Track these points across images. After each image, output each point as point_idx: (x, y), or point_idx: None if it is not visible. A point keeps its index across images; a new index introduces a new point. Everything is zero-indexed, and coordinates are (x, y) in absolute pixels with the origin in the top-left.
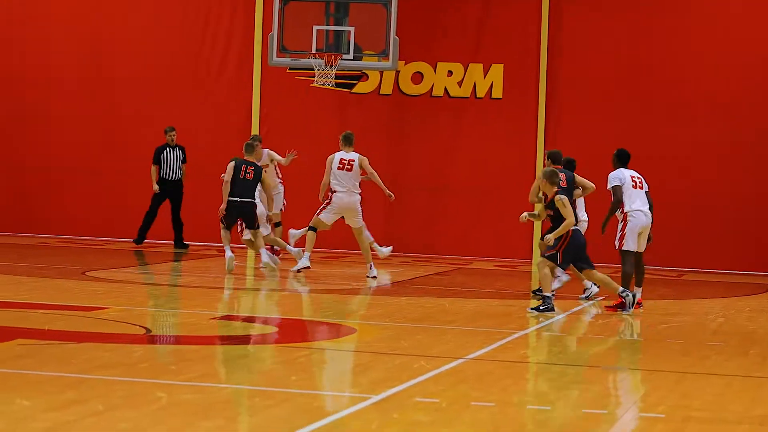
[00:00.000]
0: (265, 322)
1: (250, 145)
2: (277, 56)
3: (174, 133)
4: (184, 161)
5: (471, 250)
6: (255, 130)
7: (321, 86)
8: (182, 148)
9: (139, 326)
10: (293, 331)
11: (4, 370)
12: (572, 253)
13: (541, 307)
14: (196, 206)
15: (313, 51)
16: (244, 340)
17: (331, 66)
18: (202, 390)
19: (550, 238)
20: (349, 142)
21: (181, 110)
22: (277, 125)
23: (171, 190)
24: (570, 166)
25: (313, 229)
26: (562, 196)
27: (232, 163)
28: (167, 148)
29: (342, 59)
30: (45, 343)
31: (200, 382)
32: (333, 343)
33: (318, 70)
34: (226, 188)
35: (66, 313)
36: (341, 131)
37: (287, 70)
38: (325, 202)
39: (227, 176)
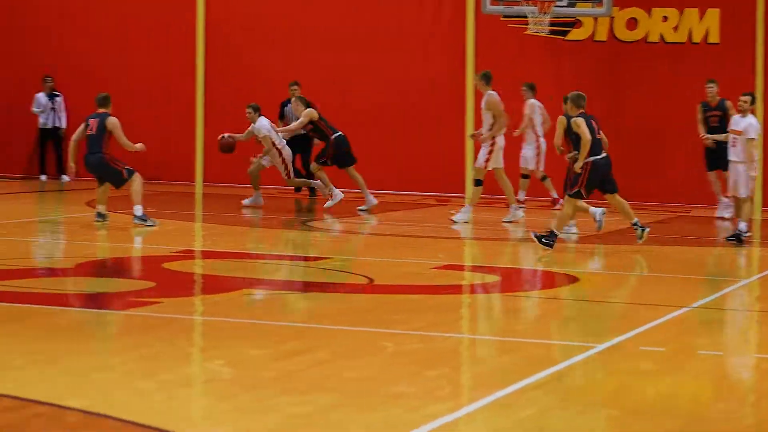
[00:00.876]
0: (488, 271)
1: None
2: (491, 4)
3: (296, 87)
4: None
5: (690, 197)
6: (469, 79)
7: (535, 34)
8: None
9: (362, 276)
10: (516, 280)
11: (231, 320)
12: (596, 180)
13: (543, 239)
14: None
15: None
16: (467, 289)
17: (544, 13)
18: (427, 339)
19: (578, 166)
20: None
21: (396, 63)
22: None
23: (297, 143)
24: None
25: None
26: (578, 118)
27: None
28: (290, 102)
29: (556, 6)
30: (270, 292)
31: (425, 331)
32: (556, 291)
33: (532, 17)
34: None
35: (288, 263)
36: (556, 79)
37: (500, 18)
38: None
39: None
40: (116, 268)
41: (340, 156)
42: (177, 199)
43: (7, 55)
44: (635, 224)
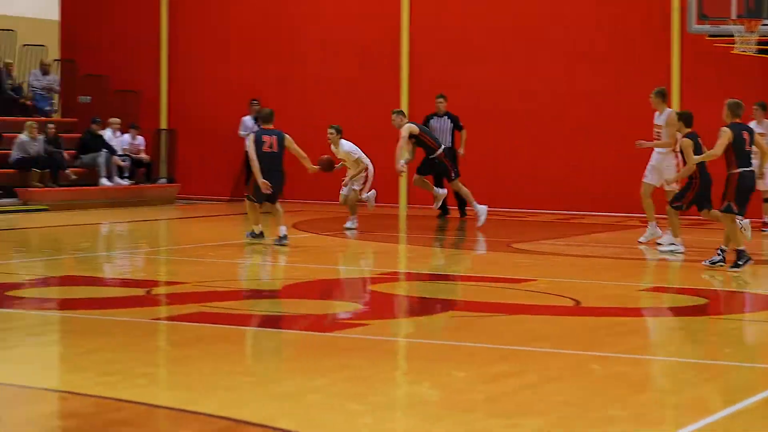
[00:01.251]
0: (696, 293)
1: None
2: (697, 23)
3: (442, 100)
4: (457, 128)
5: None
6: (675, 97)
7: (742, 53)
8: (452, 116)
9: (568, 298)
10: (725, 303)
11: (438, 342)
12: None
13: (740, 263)
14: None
15: (734, 17)
16: (674, 312)
17: (751, 32)
18: (635, 362)
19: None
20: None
21: (601, 82)
22: (697, 92)
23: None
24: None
25: None
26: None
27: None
28: (435, 116)
29: (763, 24)
30: (476, 315)
31: (633, 354)
32: (765, 314)
33: (738, 36)
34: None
35: (494, 285)
36: (765, 98)
37: (706, 37)
38: None
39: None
40: (323, 289)
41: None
42: (382, 221)
43: (215, 79)
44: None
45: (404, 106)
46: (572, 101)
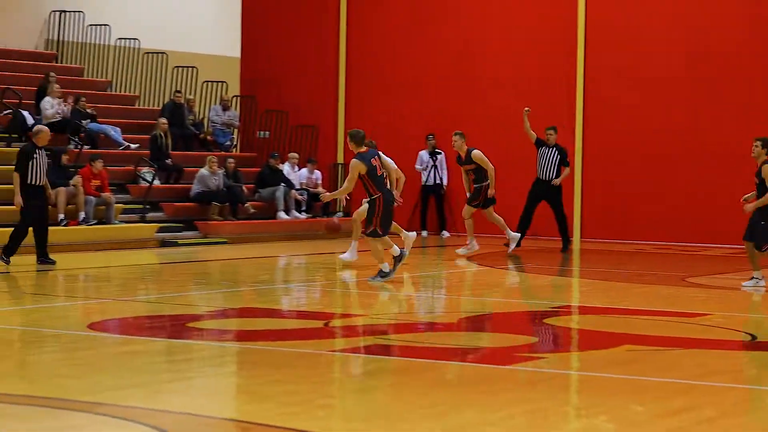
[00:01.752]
0: None
1: None
2: None
3: (552, 132)
4: (562, 163)
5: None
6: None
7: None
8: (561, 149)
9: (744, 332)
10: None
11: (614, 375)
12: None
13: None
14: None
15: None
16: None
17: None
18: None
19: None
20: None
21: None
22: None
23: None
24: None
25: None
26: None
27: None
28: (545, 146)
29: None
30: (652, 349)
31: None
32: None
33: None
34: None
35: (669, 319)
36: None
37: None
38: None
39: None
40: (497, 322)
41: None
42: (555, 255)
43: (390, 114)
44: None
45: (578, 143)
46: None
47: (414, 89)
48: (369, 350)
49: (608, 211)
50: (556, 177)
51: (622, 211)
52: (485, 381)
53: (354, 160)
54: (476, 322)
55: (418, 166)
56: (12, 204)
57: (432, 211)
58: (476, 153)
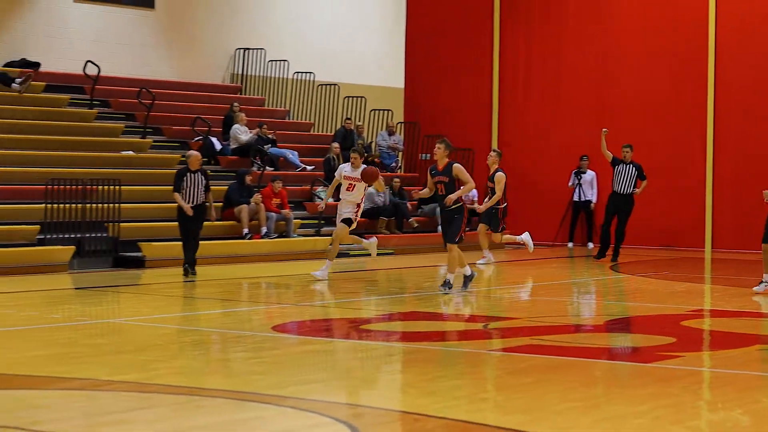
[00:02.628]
0: None
1: None
2: None
3: (628, 150)
4: (639, 177)
5: None
6: None
7: None
8: (637, 165)
9: None
10: None
11: (747, 372)
12: None
13: None
14: None
15: None
16: None
17: None
18: None
19: None
20: None
21: None
22: None
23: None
24: None
25: None
26: None
27: None
28: (621, 163)
29: None
30: None
31: None
32: None
33: None
34: None
35: None
36: None
37: None
38: None
39: None
40: (639, 324)
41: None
42: (688, 264)
43: (541, 137)
44: None
45: (709, 154)
46: None
47: (564, 113)
48: (524, 350)
49: (739, 221)
50: (633, 190)
51: (753, 221)
52: (629, 377)
53: (500, 173)
54: (620, 325)
55: (571, 184)
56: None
57: (579, 225)
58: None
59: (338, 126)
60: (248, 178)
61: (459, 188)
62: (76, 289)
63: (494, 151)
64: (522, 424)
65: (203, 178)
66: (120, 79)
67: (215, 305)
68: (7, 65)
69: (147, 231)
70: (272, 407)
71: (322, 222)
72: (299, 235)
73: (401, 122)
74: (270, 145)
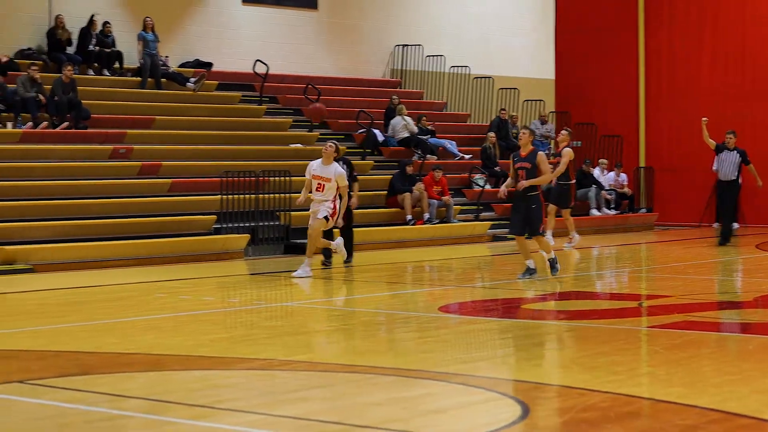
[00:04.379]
0: None
1: None
2: None
3: (731, 136)
4: (744, 162)
5: None
6: None
7: None
8: (741, 151)
9: None
10: None
11: None
12: None
13: None
14: None
15: None
16: None
17: None
18: None
19: None
20: None
21: None
22: None
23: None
24: None
25: None
26: None
27: None
28: (726, 150)
29: None
30: None
31: None
32: None
33: None
34: None
35: None
36: None
37: None
38: None
39: None
40: None
41: None
42: None
43: (687, 121)
44: None
45: None
46: None
47: (709, 96)
48: (679, 326)
49: None
50: (737, 176)
51: None
52: None
53: (568, 149)
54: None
55: (714, 167)
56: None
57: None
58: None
59: (493, 116)
60: (409, 168)
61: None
62: (251, 274)
63: (565, 129)
64: (683, 396)
65: (346, 167)
66: (287, 76)
67: (383, 288)
68: (182, 66)
69: None
70: (442, 384)
71: (481, 207)
72: (459, 221)
73: (553, 111)
74: (429, 136)
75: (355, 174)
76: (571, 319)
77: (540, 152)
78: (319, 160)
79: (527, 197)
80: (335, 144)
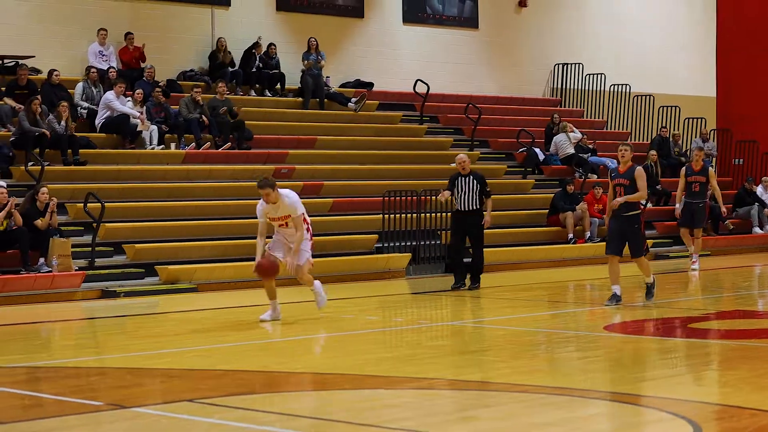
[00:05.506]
0: None
1: None
2: None
3: None
4: None
5: None
6: None
7: None
8: None
9: None
10: None
11: None
12: None
13: None
14: None
15: None
16: None
17: None
18: None
19: None
20: None
21: None
22: None
23: None
24: None
25: None
26: None
27: None
28: None
29: None
30: None
31: None
32: None
33: None
34: None
35: None
36: None
37: None
38: None
39: None
40: None
41: None
42: None
43: None
44: None
45: None
46: None
47: None
48: None
49: None
50: None
51: None
52: None
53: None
54: None
55: None
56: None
57: None
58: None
59: (654, 134)
60: (570, 187)
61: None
62: (413, 293)
63: (698, 146)
64: None
65: (475, 182)
66: (447, 95)
67: (544, 307)
68: (342, 86)
69: None
70: (612, 404)
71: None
72: None
73: (714, 129)
74: (589, 154)
75: (489, 190)
76: (739, 338)
77: (638, 168)
78: (262, 201)
79: (628, 217)
80: (268, 184)
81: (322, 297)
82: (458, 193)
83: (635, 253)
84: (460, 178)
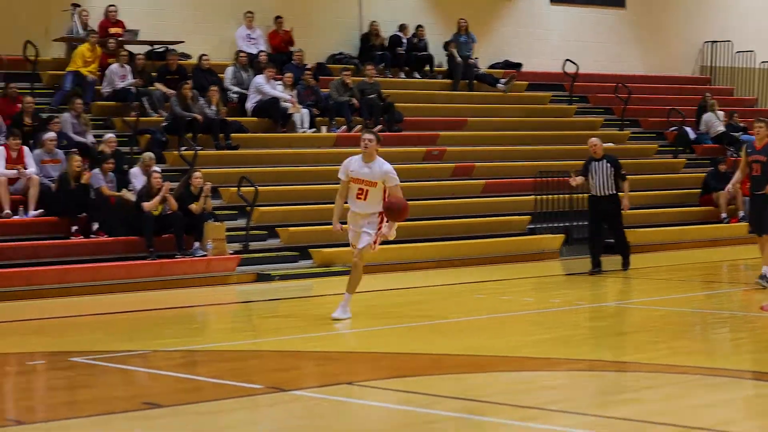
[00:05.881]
0: None
1: None
2: None
3: None
4: None
5: None
6: None
7: None
8: None
9: None
10: None
11: None
12: None
13: None
14: None
15: None
16: None
17: None
18: None
19: None
20: None
21: None
22: None
23: None
24: None
25: None
26: None
27: None
28: None
29: None
30: None
31: None
32: None
33: None
34: None
35: None
36: None
37: None
38: None
39: None
40: None
41: None
42: None
43: None
44: None
45: None
46: None
47: None
48: None
49: None
50: None
51: None
52: None
53: None
54: None
55: None
56: None
57: None
58: None
59: None
60: (722, 166)
61: None
62: (567, 275)
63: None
64: None
65: (609, 166)
66: (596, 75)
67: (698, 287)
68: (491, 67)
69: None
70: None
71: None
72: None
73: None
74: (741, 133)
75: (623, 173)
76: None
77: None
78: (358, 156)
79: (762, 195)
80: (374, 135)
81: (345, 310)
82: (593, 177)
83: (762, 230)
84: (593, 163)
